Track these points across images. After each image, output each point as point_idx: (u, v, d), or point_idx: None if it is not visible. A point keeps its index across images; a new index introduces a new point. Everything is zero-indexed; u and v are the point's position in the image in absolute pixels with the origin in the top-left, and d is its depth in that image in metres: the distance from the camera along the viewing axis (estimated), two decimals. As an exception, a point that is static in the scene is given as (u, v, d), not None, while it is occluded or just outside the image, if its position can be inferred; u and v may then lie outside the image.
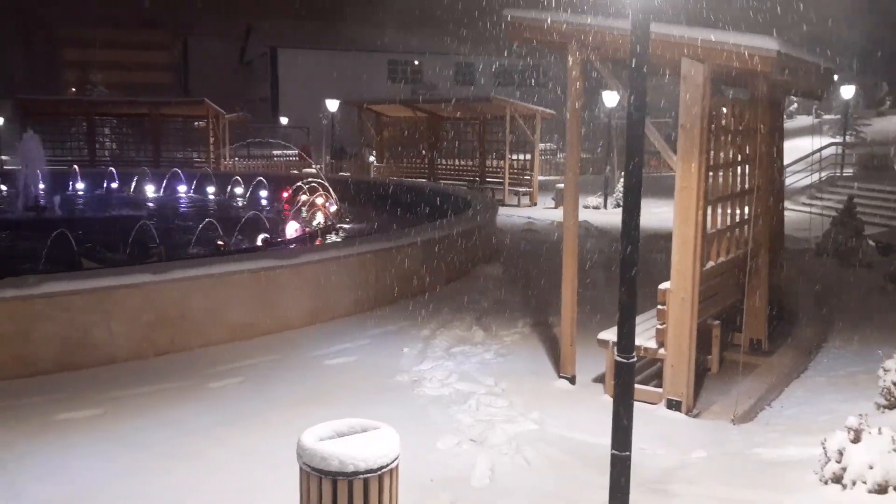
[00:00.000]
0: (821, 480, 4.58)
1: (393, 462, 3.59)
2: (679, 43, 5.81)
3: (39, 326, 7.01)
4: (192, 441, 5.51)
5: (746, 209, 7.58)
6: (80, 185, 24.50)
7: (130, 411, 6.06)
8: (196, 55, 71.59)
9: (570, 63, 6.65)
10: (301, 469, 3.57)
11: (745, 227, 7.59)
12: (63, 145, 32.31)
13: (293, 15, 57.87)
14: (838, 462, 4.50)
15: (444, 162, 27.98)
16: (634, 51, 3.83)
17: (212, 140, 31.87)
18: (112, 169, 25.42)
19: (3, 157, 33.39)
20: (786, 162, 9.40)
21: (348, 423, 3.80)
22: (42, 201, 17.60)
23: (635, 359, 4.04)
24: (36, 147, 17.72)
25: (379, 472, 3.52)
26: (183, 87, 71.84)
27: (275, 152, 44.26)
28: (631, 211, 3.96)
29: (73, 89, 67.88)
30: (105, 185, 24.71)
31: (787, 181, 15.69)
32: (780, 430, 5.89)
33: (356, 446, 3.54)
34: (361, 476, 3.48)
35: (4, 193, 20.30)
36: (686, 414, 6.22)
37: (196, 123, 34.90)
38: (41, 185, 17.96)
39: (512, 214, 20.04)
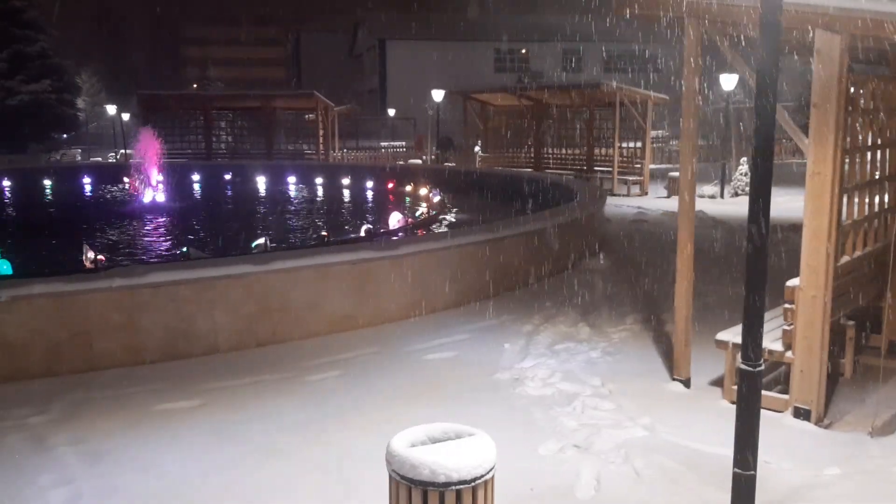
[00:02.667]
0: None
1: (488, 473, 3.31)
2: (811, 12, 5.21)
3: (146, 316, 7.11)
4: (287, 437, 5.40)
5: (888, 197, 6.84)
6: (196, 177, 25.46)
7: (228, 403, 6.02)
8: (307, 50, 73.54)
9: (687, 40, 6.13)
10: (390, 476, 3.34)
11: (888, 216, 6.85)
12: (182, 139, 33.74)
13: (400, 6, 58.41)
14: None
15: (550, 151, 27.41)
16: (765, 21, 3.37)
17: (321, 132, 32.46)
18: (227, 161, 26.30)
19: (128, 152, 35.12)
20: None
21: (442, 428, 3.54)
22: (162, 193, 18.34)
23: (762, 367, 3.58)
24: (151, 141, 18.51)
25: (473, 484, 3.24)
26: (296, 82, 73.94)
27: (382, 143, 44.84)
28: (759, 202, 3.50)
29: (195, 85, 71.17)
30: (221, 176, 25.60)
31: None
32: (926, 445, 5.23)
33: (449, 455, 3.27)
34: (454, 487, 3.22)
35: (127, 186, 21.26)
36: (816, 424, 5.63)
37: (306, 116, 35.71)
38: (159, 178, 18.71)
39: (621, 204, 19.35)
